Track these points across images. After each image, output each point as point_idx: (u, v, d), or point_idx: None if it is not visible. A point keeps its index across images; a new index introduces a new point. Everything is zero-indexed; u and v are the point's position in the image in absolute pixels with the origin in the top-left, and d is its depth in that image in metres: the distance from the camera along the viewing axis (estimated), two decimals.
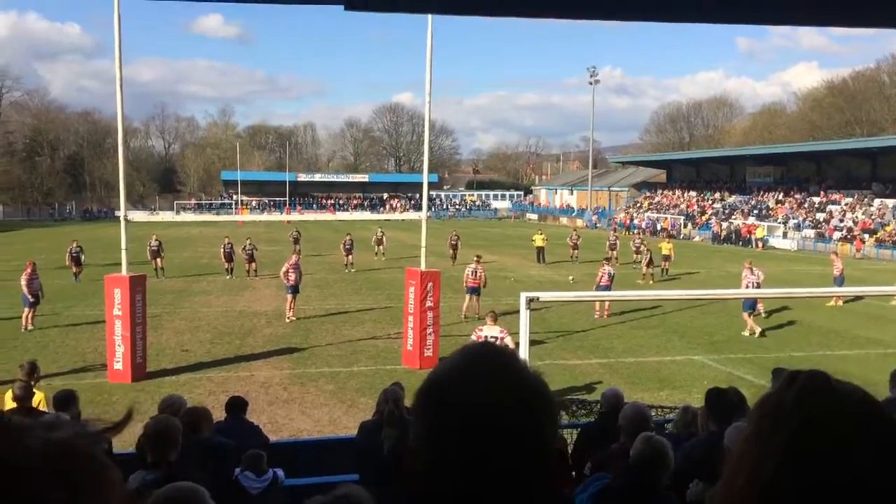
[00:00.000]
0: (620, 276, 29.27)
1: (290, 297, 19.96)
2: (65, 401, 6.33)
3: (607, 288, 20.28)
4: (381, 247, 36.70)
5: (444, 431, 1.04)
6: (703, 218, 60.66)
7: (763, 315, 19.97)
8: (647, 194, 75.42)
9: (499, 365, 1.10)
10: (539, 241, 34.73)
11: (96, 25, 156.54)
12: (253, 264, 28.64)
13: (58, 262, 28.35)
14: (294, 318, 19.79)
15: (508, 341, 12.17)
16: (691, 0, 1.58)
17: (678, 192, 70.54)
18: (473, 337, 12.64)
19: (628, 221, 65.23)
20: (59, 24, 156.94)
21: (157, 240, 28.60)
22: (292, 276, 19.89)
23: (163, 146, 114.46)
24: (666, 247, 30.95)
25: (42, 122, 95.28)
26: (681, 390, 13.07)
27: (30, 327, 18.14)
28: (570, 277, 28.05)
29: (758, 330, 18.29)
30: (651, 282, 27.96)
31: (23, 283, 18.37)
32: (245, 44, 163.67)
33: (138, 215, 69.24)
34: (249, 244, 28.76)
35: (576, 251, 34.70)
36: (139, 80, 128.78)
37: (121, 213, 14.87)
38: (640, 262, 29.91)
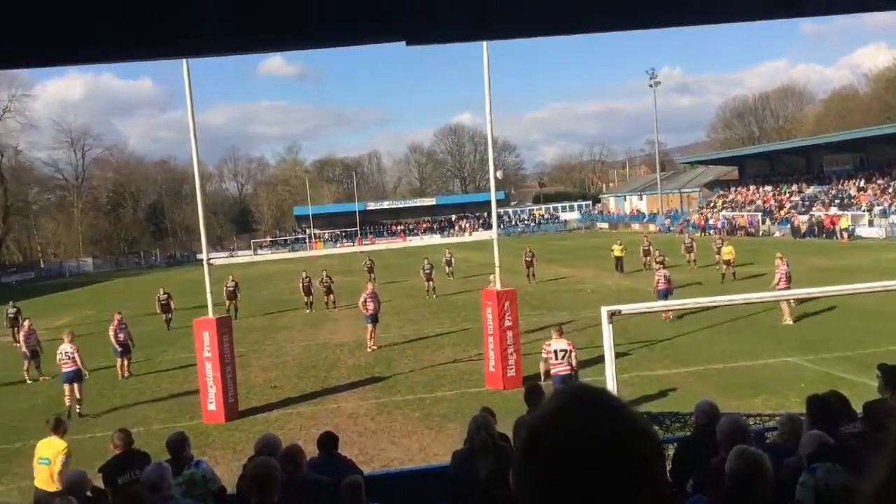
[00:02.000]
0: (700, 277, 28.67)
1: (369, 326, 20.29)
2: (179, 443, 6.67)
3: (666, 291, 20.97)
4: (450, 267, 37.11)
5: (551, 486, 1.04)
6: (782, 212, 58.63)
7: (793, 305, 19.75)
8: (721, 193, 73.46)
9: (596, 408, 1.09)
10: (617, 251, 34.06)
11: (167, 78, 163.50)
12: (331, 296, 29.26)
13: (148, 309, 29.50)
14: (375, 348, 20.04)
15: (574, 356, 12.57)
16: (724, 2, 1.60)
17: (753, 188, 68.46)
18: (543, 354, 12.81)
19: (703, 222, 63.63)
20: (132, 81, 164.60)
21: (233, 281, 29.34)
22: (370, 306, 20.25)
23: (236, 188, 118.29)
24: (727, 251, 29.35)
25: (123, 174, 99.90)
26: (777, 395, 12.60)
27: (126, 374, 18.89)
28: (589, 289, 27.73)
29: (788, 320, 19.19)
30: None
31: (110, 334, 19.18)
32: (307, 81, 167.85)
33: (218, 257, 71.39)
34: (326, 277, 29.29)
35: (648, 257, 33.59)
36: (210, 126, 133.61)
37: (203, 258, 15.38)
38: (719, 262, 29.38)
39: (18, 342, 17.70)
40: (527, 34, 1.66)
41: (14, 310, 27.18)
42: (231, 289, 29.17)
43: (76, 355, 15.58)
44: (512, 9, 1.49)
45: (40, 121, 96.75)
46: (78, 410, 15.40)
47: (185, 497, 5.80)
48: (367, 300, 20.35)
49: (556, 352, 12.53)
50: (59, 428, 8.58)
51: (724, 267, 28.84)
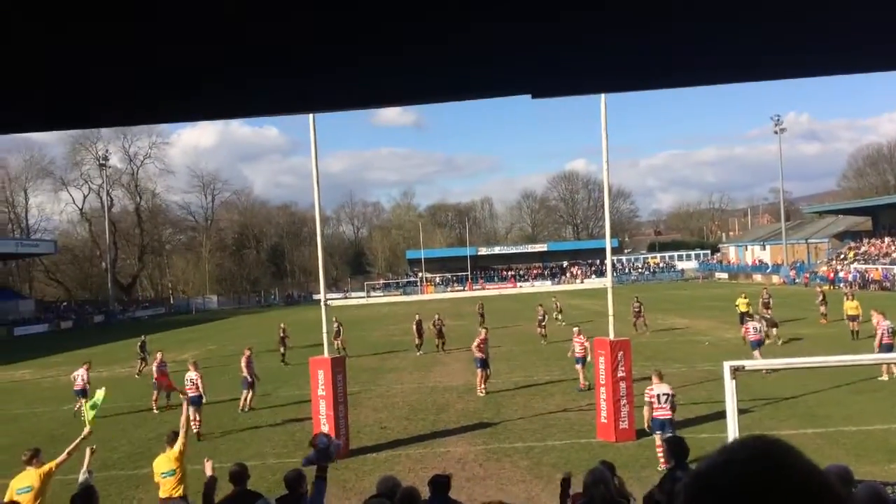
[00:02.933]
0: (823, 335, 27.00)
1: (480, 371, 20.31)
2: (296, 480, 7.01)
3: (758, 342, 21.15)
4: (560, 314, 37.80)
5: None
6: None
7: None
8: (852, 244, 69.35)
9: (763, 456, 1.01)
10: (743, 305, 31.05)
11: (291, 128, 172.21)
12: (442, 339, 29.68)
13: (267, 346, 30.69)
14: (485, 392, 19.97)
15: (674, 399, 12.82)
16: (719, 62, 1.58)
17: (887, 240, 64.25)
18: (646, 398, 12.79)
19: (832, 275, 60.08)
20: (259, 128, 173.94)
21: (336, 322, 29.98)
22: (482, 351, 20.31)
23: (352, 231, 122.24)
24: (851, 306, 27.14)
25: (247, 217, 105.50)
26: None
27: (246, 409, 19.66)
28: (707, 341, 26.82)
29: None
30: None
31: (243, 366, 20.08)
32: (422, 129, 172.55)
33: (334, 298, 73.64)
34: (438, 320, 29.73)
35: (767, 311, 31.91)
36: (329, 172, 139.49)
37: (320, 298, 15.92)
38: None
39: (145, 371, 18.90)
40: (650, 87, 1.68)
41: (141, 342, 28.83)
42: (335, 329, 29.69)
43: (199, 382, 17.52)
44: (637, 63, 1.52)
45: (176, 166, 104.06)
46: (196, 431, 16.37)
47: None
48: (480, 345, 20.47)
49: (658, 396, 12.64)
50: (32, 459, 8.64)
51: (851, 323, 26.86)
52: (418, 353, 29.17)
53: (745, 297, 31.78)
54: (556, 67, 1.56)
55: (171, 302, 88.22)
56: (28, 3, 1.24)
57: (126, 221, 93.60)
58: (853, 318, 26.84)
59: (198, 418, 16.85)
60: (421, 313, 31.20)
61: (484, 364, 20.30)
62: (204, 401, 17.57)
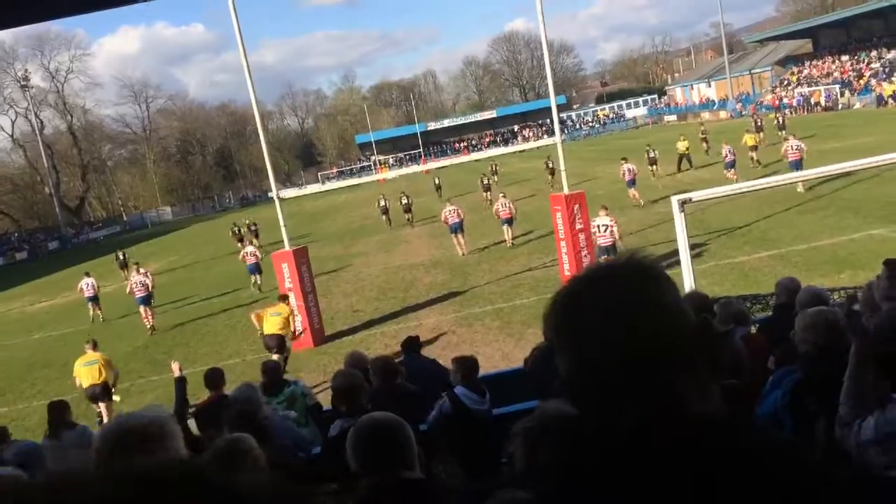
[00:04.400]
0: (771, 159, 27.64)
1: (455, 236, 22.05)
2: (276, 368, 7.42)
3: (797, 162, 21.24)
4: (495, 176, 39.13)
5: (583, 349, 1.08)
6: (861, 82, 55.35)
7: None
8: (794, 69, 69.69)
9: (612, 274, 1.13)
10: (682, 147, 31.51)
11: (217, 21, 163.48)
12: (410, 214, 30.83)
13: (228, 249, 30.50)
14: (466, 253, 21.66)
15: (615, 229, 15.15)
16: None
17: (829, 60, 64.67)
18: (592, 228, 15.00)
19: (777, 102, 60.68)
20: (185, 27, 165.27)
21: (406, 196, 30.82)
22: (451, 219, 21.77)
23: (297, 122, 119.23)
24: (751, 139, 28.82)
25: (188, 122, 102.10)
26: (864, 269, 12.17)
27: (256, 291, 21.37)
28: (660, 185, 27.46)
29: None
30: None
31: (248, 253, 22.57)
32: (354, 7, 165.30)
33: (289, 192, 72.81)
34: (406, 197, 30.73)
35: (707, 146, 34.18)
36: (263, 63, 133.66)
37: (273, 194, 15.71)
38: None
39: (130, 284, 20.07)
40: None
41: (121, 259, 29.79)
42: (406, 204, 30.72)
43: (149, 281, 19.63)
44: None
45: (102, 78, 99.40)
46: (151, 325, 19.02)
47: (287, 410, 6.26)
48: (447, 217, 21.82)
49: (598, 226, 15.17)
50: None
51: (752, 153, 28.19)
52: (390, 228, 31.03)
53: (684, 138, 32.02)
54: None
55: (125, 219, 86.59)
56: None
57: (62, 143, 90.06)
58: (753, 148, 28.42)
59: (150, 313, 19.22)
60: (386, 195, 32.38)
61: (458, 228, 21.81)
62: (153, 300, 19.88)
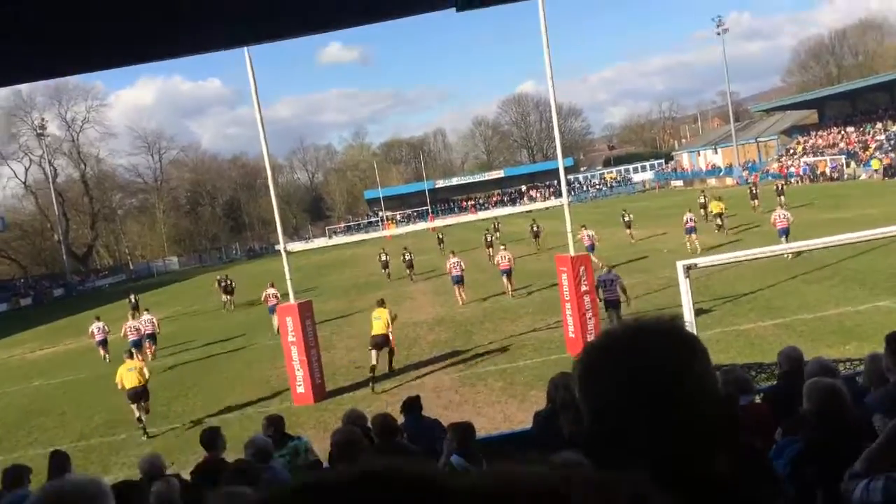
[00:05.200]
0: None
1: (456, 287, 23.83)
2: (282, 421, 7.23)
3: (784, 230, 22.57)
4: (497, 233, 39.03)
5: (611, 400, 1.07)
6: (867, 153, 55.86)
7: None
8: (800, 138, 70.46)
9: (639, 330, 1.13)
10: (717, 208, 31.02)
11: (234, 77, 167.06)
12: (411, 270, 32.03)
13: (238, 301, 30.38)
14: (465, 302, 23.42)
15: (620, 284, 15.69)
16: None
17: (834, 131, 65.41)
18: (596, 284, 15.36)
19: (785, 171, 61.11)
20: (202, 82, 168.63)
21: (407, 252, 32.22)
22: (455, 270, 23.78)
23: (307, 177, 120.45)
24: (716, 206, 30.62)
25: (199, 173, 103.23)
26: (870, 341, 12.08)
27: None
28: (665, 249, 27.69)
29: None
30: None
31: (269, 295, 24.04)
32: (367, 66, 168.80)
33: (296, 245, 73.08)
34: (408, 252, 31.98)
35: (705, 211, 34.57)
36: (277, 118, 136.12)
37: (281, 247, 15.82)
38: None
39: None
40: None
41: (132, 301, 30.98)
42: (408, 260, 32.04)
43: (156, 321, 22.76)
44: None
45: (117, 128, 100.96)
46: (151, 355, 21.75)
47: (288, 466, 6.16)
48: (451, 268, 23.88)
49: (605, 282, 15.66)
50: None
51: (718, 220, 30.09)
52: (388, 280, 32.74)
53: (719, 199, 32.04)
54: None
55: (131, 267, 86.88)
56: None
57: (73, 190, 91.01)
58: (719, 216, 30.28)
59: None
60: (387, 249, 33.76)
61: (459, 280, 23.68)
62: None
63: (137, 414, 14.05)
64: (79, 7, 1.31)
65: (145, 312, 23.83)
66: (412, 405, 7.12)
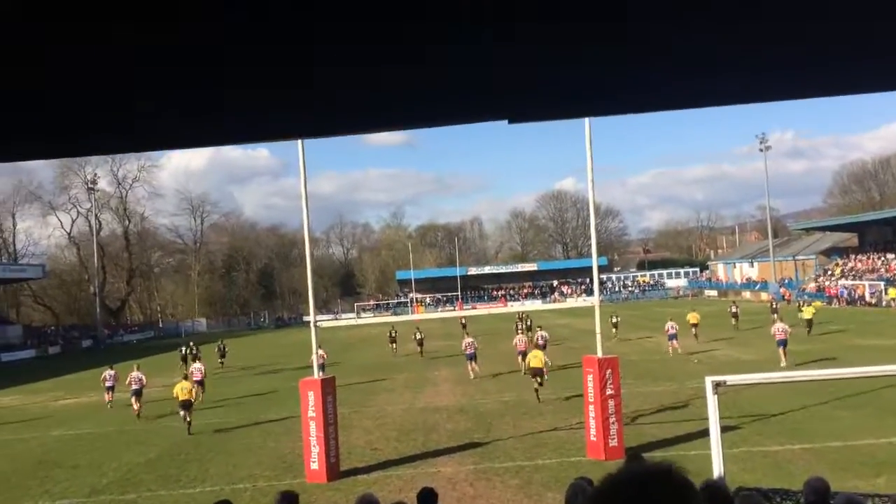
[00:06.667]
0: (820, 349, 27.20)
1: (470, 363, 27.04)
2: (296, 499, 6.99)
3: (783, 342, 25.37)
4: (529, 330, 39.34)
5: None
6: None
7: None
8: (839, 260, 69.81)
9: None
10: (693, 318, 34.54)
11: (282, 150, 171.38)
12: (421, 348, 35.90)
13: (257, 369, 30.42)
14: (477, 376, 26.38)
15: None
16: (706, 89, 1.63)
17: (874, 256, 64.75)
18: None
19: (832, 291, 60.34)
20: (251, 151, 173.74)
21: (419, 332, 36.55)
22: (470, 349, 27.21)
23: (342, 252, 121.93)
24: (693, 317, 34.05)
25: (237, 239, 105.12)
26: None
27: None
28: (696, 359, 28.00)
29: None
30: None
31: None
32: (412, 148, 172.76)
33: (323, 319, 73.27)
34: (419, 332, 35.90)
35: (735, 321, 38.73)
36: (319, 193, 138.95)
37: (310, 320, 15.96)
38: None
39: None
40: (626, 111, 1.74)
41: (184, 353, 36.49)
42: (419, 338, 36.37)
43: (143, 379, 24.20)
44: (614, 88, 1.58)
45: (165, 189, 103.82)
46: (137, 411, 23.38)
47: None
48: (466, 347, 27.35)
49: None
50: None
51: (693, 329, 33.46)
52: (394, 355, 36.45)
53: (695, 310, 36.24)
54: (532, 92, 1.61)
55: (160, 325, 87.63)
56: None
57: (114, 245, 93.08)
58: (695, 326, 33.78)
59: (138, 403, 23.44)
60: (397, 327, 37.47)
61: (472, 357, 26.95)
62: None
63: (187, 419, 20.02)
64: (127, 93, 1.47)
65: (197, 361, 27.98)
66: (428, 497, 7.01)
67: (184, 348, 38.25)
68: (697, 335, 33.49)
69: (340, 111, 1.67)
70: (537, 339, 28.93)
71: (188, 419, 19.98)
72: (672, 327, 30.30)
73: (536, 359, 21.37)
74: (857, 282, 59.78)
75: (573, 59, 1.46)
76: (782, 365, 24.24)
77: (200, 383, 25.30)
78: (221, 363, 36.67)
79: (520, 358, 26.63)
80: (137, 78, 1.41)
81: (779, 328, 25.89)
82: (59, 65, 1.34)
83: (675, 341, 30.01)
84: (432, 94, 1.58)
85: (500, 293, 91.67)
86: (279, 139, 1.84)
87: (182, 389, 20.26)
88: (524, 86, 1.56)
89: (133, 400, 23.65)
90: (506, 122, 1.72)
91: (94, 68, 1.37)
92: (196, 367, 26.53)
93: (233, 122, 1.68)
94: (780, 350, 25.15)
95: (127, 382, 24.41)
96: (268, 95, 1.52)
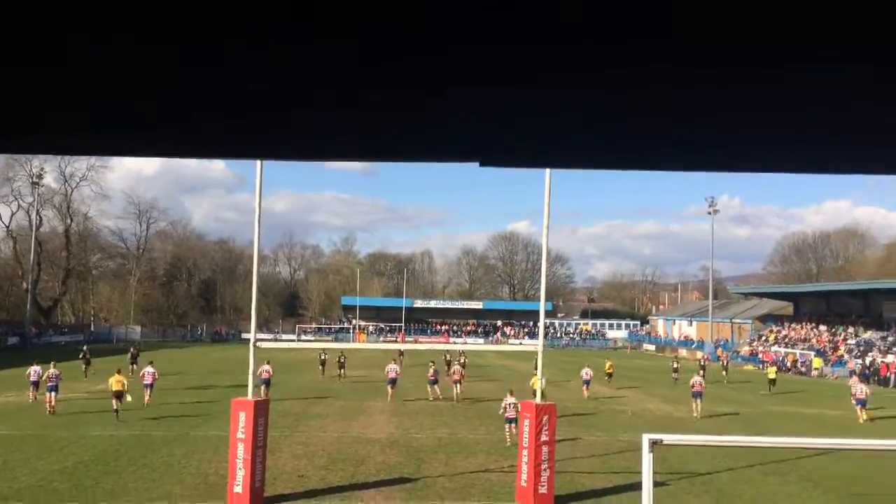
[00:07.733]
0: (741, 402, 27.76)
1: (390, 388, 29.55)
2: None
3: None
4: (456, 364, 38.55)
5: None
6: (836, 354, 56.86)
7: None
8: (774, 327, 71.82)
9: None
10: (608, 367, 38.57)
11: (239, 164, 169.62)
12: (343, 370, 37.48)
13: (189, 383, 29.66)
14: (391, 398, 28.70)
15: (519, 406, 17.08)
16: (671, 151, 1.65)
17: (808, 326, 66.81)
18: (503, 405, 20.41)
19: (771, 356, 61.86)
20: (206, 162, 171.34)
21: (342, 355, 37.75)
22: (392, 374, 29.72)
23: (288, 272, 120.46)
24: (609, 366, 38.22)
25: (182, 249, 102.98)
26: None
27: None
28: (629, 411, 28.50)
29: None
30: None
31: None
32: (373, 176, 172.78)
33: (264, 339, 71.91)
34: (342, 356, 37.42)
35: (676, 376, 40.03)
36: (272, 210, 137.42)
37: (250, 338, 15.61)
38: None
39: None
40: (591, 166, 1.74)
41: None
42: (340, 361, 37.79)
43: (57, 380, 24.42)
44: (582, 143, 1.58)
45: (113, 191, 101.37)
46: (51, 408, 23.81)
47: None
48: (388, 371, 29.75)
49: (508, 405, 20.08)
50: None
51: (608, 378, 37.51)
52: (321, 376, 38.26)
53: (609, 361, 39.71)
54: (504, 139, 1.60)
55: (92, 329, 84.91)
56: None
57: (53, 243, 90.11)
58: (609, 375, 37.96)
59: (54, 400, 23.99)
60: (328, 351, 38.53)
61: (393, 382, 29.78)
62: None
63: (115, 407, 22.47)
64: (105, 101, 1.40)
65: (149, 365, 27.26)
66: None
67: (133, 349, 41.89)
68: (610, 382, 37.29)
69: (301, 136, 1.63)
70: (454, 372, 30.46)
71: (116, 407, 22.31)
72: (587, 373, 32.78)
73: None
74: (789, 350, 61.45)
75: (551, 108, 1.45)
76: (695, 416, 27.01)
77: (150, 387, 26.04)
78: (132, 370, 35.64)
79: (433, 387, 29.69)
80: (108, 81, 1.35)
81: (696, 381, 27.80)
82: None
83: (586, 386, 32.44)
84: (403, 128, 1.56)
85: (443, 328, 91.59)
86: (237, 158, 1.79)
87: (115, 381, 22.75)
88: (499, 130, 1.55)
89: (49, 396, 24.14)
90: (477, 164, 1.70)
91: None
92: (148, 371, 26.66)
93: (187, 137, 1.63)
94: (695, 402, 27.40)
95: (44, 378, 25.23)
96: (226, 115, 1.48)
